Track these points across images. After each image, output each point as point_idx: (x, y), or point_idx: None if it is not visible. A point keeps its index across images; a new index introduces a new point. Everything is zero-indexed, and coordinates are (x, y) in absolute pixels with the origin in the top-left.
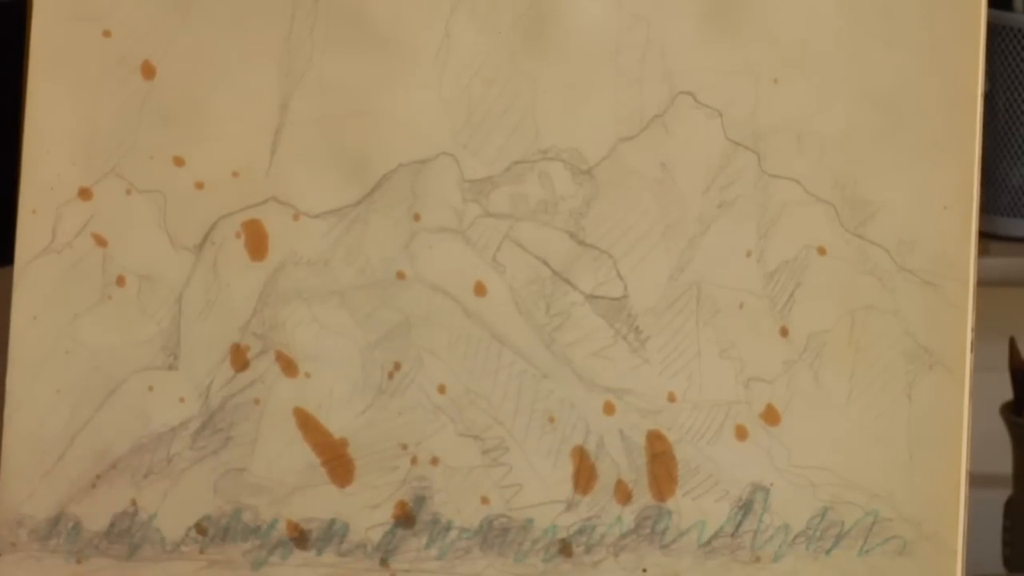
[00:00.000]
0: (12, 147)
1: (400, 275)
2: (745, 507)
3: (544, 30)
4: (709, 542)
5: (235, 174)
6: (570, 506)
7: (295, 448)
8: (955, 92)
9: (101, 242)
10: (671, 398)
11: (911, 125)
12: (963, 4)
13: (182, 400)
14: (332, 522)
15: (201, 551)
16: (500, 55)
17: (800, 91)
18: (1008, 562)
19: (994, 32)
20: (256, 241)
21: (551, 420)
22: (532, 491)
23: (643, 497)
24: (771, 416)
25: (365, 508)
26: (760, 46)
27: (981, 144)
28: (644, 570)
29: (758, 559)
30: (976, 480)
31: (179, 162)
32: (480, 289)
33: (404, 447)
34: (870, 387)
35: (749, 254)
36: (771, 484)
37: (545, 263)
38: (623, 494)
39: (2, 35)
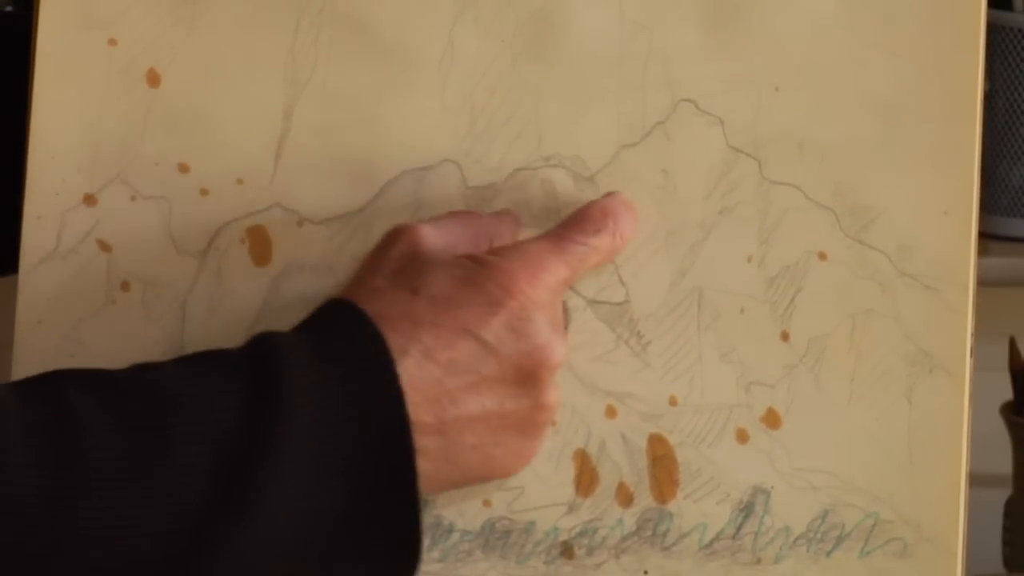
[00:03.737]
0: (17, 154)
1: None
2: (746, 509)
3: (547, 38)
4: (710, 544)
5: (239, 181)
6: (572, 508)
7: None
8: (955, 98)
9: (105, 248)
10: (672, 402)
11: (911, 131)
12: (963, 12)
13: None
14: None
15: None
16: (503, 63)
17: (801, 98)
18: (1008, 562)
19: (994, 32)
20: (260, 247)
21: (553, 424)
22: (534, 494)
23: (644, 500)
24: (772, 419)
25: None
26: (761, 54)
27: (981, 147)
28: (645, 572)
29: (759, 561)
30: (976, 480)
31: (184, 169)
32: None
33: None
34: (870, 391)
35: (750, 259)
36: (772, 487)
37: None
38: (624, 497)
39: (8, 43)
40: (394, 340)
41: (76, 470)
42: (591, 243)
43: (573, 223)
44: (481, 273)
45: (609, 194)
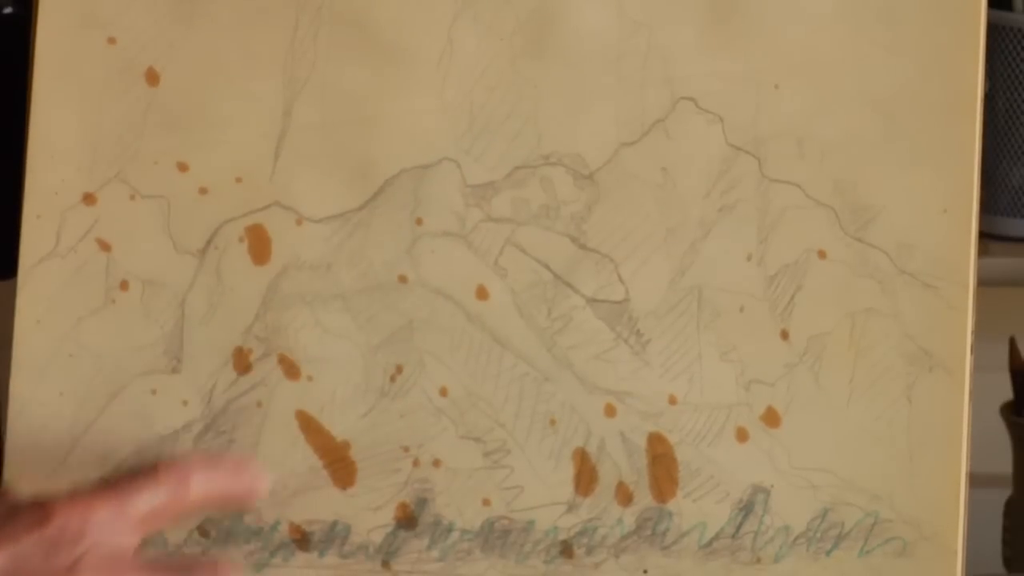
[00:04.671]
0: (16, 153)
1: (402, 279)
2: (746, 509)
3: (546, 36)
4: (710, 543)
5: (238, 179)
6: (571, 508)
7: (297, 450)
8: (955, 96)
9: (105, 247)
10: (672, 400)
11: (911, 129)
12: (963, 9)
13: (185, 403)
14: (334, 524)
15: (203, 553)
16: (502, 61)
17: (801, 96)
18: (1008, 562)
19: (994, 32)
20: (259, 245)
21: (552, 422)
22: (533, 493)
23: (644, 499)
24: (772, 418)
25: (367, 510)
26: (761, 52)
27: (981, 146)
28: (645, 571)
29: (759, 560)
30: (976, 480)
31: (183, 168)
32: (482, 293)
33: (406, 449)
34: (870, 389)
35: (750, 258)
36: (772, 486)
37: (547, 267)
38: (624, 496)
39: (7, 42)
40: None
41: None
42: (140, 480)
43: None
44: (24, 504)
45: None
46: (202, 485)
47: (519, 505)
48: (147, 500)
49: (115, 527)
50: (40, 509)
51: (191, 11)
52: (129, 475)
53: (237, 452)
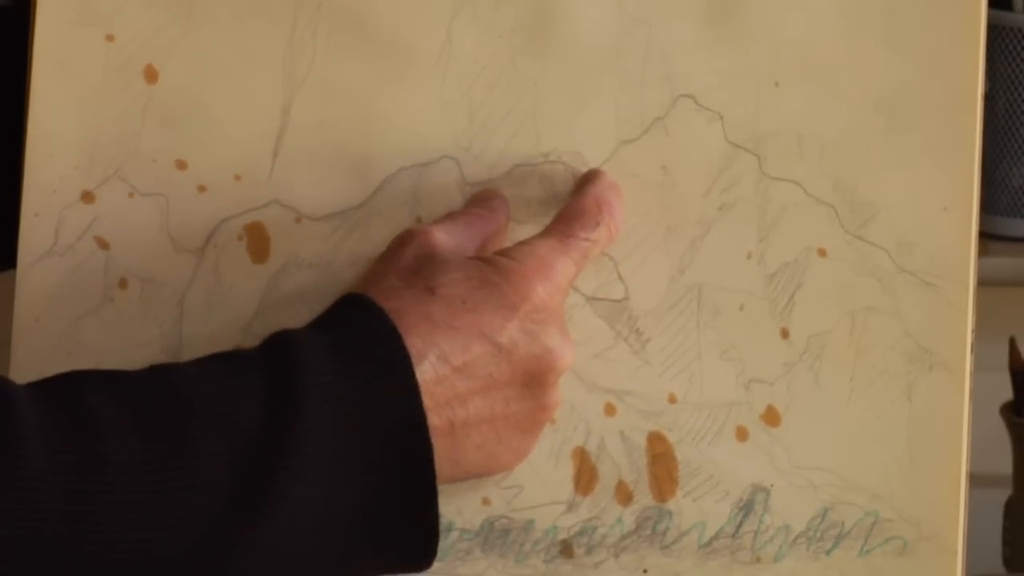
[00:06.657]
0: (15, 151)
1: None
2: (746, 508)
3: (545, 34)
4: (710, 543)
5: (237, 177)
6: (571, 507)
7: None
8: (955, 94)
9: (103, 245)
10: (672, 399)
11: (911, 127)
12: (963, 6)
13: None
14: None
15: None
16: (501, 58)
17: (801, 94)
18: (1008, 562)
19: (994, 32)
20: (258, 243)
21: (552, 422)
22: (533, 492)
23: (644, 498)
24: (771, 417)
25: None
26: (761, 49)
27: (981, 145)
28: (645, 571)
29: (759, 560)
30: (976, 480)
31: (181, 165)
32: None
33: None
34: (870, 388)
35: (750, 256)
36: (772, 485)
37: None
38: (624, 495)
39: (5, 39)
40: (412, 342)
41: (96, 475)
42: (592, 237)
43: (573, 218)
44: (496, 275)
45: (595, 176)
46: (621, 221)
47: (519, 504)
48: (596, 253)
49: (568, 290)
50: (514, 290)
51: (190, 9)
52: (583, 224)
53: None
